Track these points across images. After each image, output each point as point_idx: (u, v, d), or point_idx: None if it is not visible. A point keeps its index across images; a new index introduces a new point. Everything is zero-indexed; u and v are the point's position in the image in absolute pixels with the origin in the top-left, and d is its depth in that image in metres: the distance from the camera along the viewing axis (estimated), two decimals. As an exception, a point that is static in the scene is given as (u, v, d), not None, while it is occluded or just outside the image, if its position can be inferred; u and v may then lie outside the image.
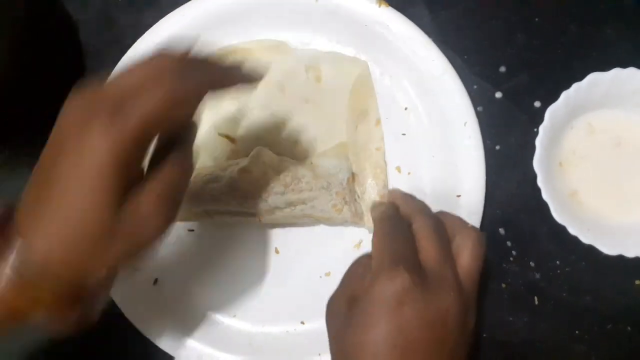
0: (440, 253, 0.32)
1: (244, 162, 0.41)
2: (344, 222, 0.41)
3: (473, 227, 0.35)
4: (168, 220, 0.28)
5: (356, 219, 0.41)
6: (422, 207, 0.37)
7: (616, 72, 0.38)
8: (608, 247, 0.37)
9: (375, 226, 0.35)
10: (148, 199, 0.27)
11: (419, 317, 0.29)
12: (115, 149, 0.25)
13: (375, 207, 0.37)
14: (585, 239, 0.37)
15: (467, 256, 0.33)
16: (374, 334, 0.29)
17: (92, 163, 0.25)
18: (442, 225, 0.34)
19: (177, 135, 0.30)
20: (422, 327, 0.29)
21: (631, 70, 0.38)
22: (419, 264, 0.32)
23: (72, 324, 0.28)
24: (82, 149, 0.25)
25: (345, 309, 0.32)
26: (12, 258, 0.25)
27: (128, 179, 0.26)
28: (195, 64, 0.29)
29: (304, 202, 0.40)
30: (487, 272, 0.42)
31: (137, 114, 0.25)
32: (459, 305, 0.31)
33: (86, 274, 0.27)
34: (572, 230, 0.37)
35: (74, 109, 0.27)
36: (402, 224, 0.34)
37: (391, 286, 0.30)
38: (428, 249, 0.32)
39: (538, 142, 0.38)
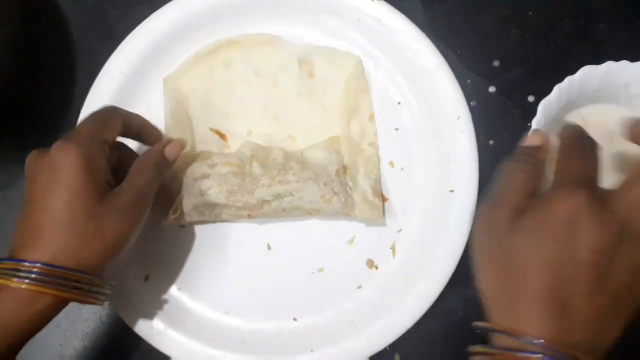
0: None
1: (231, 156, 0.41)
2: (334, 214, 0.41)
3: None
4: (143, 212, 0.35)
5: (347, 210, 0.40)
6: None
7: (609, 65, 0.38)
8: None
9: (561, 143, 0.32)
10: (124, 196, 0.34)
11: (589, 242, 0.27)
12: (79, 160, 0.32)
13: (565, 126, 0.34)
14: (579, 233, 0.36)
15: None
16: (542, 251, 0.28)
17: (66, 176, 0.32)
18: None
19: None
20: (589, 251, 0.27)
21: (624, 63, 0.38)
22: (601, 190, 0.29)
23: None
24: (55, 171, 0.32)
25: (507, 221, 0.30)
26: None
27: (98, 182, 0.33)
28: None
29: (291, 194, 0.40)
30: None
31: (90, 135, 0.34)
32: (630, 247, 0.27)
33: (84, 264, 0.32)
34: (566, 225, 0.36)
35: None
36: (591, 145, 0.31)
37: (567, 204, 0.27)
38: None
39: (531, 136, 0.38)
